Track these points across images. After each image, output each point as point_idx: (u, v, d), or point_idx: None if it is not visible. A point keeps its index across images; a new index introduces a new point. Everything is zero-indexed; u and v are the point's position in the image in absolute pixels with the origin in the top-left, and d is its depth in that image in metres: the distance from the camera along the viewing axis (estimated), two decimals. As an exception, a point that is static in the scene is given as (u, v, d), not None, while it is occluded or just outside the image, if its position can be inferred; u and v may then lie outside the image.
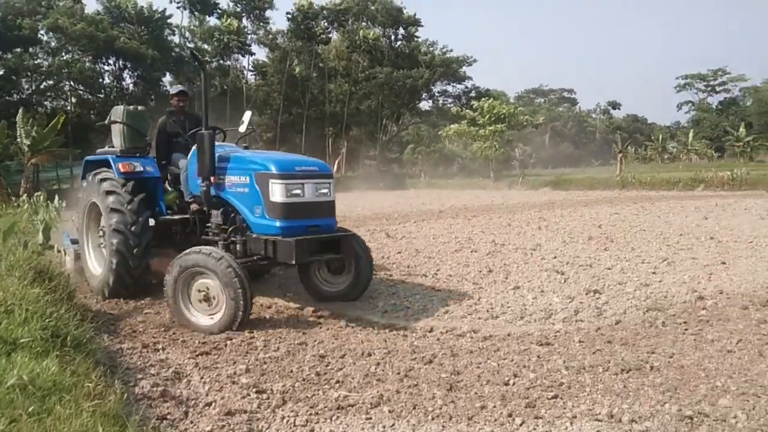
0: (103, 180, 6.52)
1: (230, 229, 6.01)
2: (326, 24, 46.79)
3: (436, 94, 55.44)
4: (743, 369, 3.95)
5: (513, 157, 51.66)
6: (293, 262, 5.43)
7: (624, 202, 20.10)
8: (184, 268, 5.30)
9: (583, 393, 3.62)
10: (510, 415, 3.30)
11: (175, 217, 6.64)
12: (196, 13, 39.75)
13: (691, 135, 57.54)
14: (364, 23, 48.37)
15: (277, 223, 5.50)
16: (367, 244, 10.77)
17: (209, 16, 40.35)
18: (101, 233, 6.76)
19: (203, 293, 5.26)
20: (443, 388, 3.72)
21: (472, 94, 52.36)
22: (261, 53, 47.34)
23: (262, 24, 43.60)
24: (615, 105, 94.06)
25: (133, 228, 6.15)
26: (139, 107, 7.42)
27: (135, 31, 36.68)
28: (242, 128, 6.59)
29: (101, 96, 37.91)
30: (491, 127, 39.59)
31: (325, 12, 45.33)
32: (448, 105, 54.07)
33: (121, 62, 37.06)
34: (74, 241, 7.56)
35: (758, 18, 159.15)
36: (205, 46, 40.23)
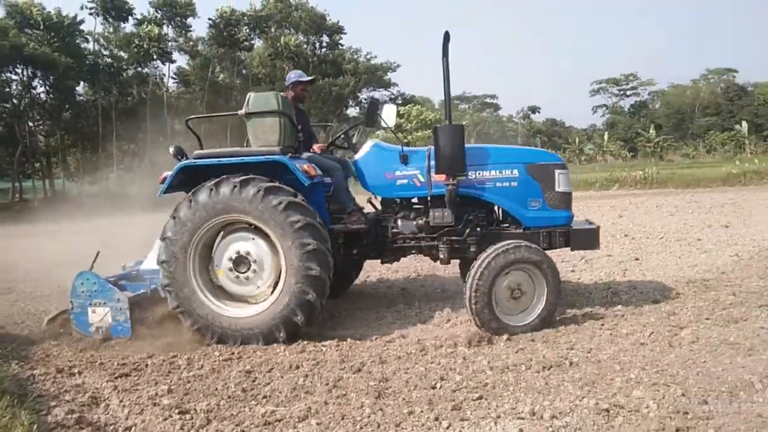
0: (269, 190, 5.11)
1: (477, 225, 5.67)
2: (248, 31, 46.04)
3: (363, 101, 55.71)
4: (655, 360, 4.16)
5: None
6: (596, 248, 5.80)
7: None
8: (504, 266, 5.04)
9: (507, 392, 3.72)
10: (437, 419, 3.34)
11: (355, 226, 5.64)
12: (110, 19, 38.13)
13: (606, 137, 60.38)
14: (287, 30, 47.97)
15: (563, 213, 5.67)
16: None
17: (124, 22, 38.83)
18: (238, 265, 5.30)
19: (513, 291, 5.11)
20: (372, 396, 3.72)
21: (399, 100, 52.98)
22: (182, 60, 45.93)
23: (183, 31, 42.41)
24: (534, 109, 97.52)
25: (328, 246, 5.22)
26: (281, 93, 5.90)
27: (44, 37, 34.81)
28: (391, 122, 5.73)
29: (7, 106, 35.69)
30: (418, 133, 40.17)
31: (247, 18, 44.61)
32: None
33: (30, 70, 35.06)
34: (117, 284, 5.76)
35: (664, 27, 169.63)
36: (122, 54, 38.66)
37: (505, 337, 4.95)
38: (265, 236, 5.24)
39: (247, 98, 5.66)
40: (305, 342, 5.10)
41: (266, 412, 3.59)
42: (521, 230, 5.64)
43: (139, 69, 40.14)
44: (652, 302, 5.85)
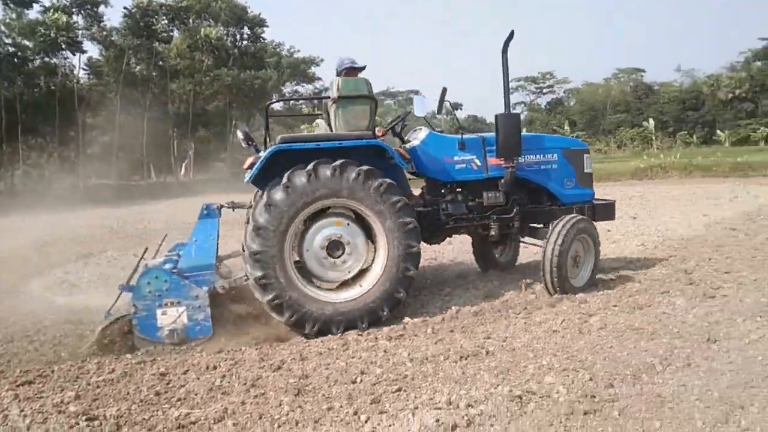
0: (369, 173, 5.20)
1: (522, 204, 6.31)
2: (166, 22, 44.38)
3: (287, 94, 55.00)
4: (566, 347, 4.34)
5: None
6: (613, 219, 6.93)
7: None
8: (576, 235, 5.84)
9: (426, 383, 3.77)
10: (356, 413, 3.35)
11: (419, 208, 5.90)
12: (11, 5, 35.65)
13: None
14: (206, 22, 46.57)
15: (590, 191, 6.69)
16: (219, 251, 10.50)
17: (28, 9, 36.42)
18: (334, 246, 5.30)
19: (575, 258, 5.95)
20: (291, 394, 3.68)
21: (323, 94, 52.69)
22: (94, 50, 43.74)
23: (95, 21, 40.26)
24: (457, 106, 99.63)
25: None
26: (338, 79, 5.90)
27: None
28: (436, 110, 6.22)
29: None
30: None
31: (164, 9, 42.96)
32: (300, 106, 53.90)
33: None
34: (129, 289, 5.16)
35: (579, 27, 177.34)
36: (26, 42, 36.27)
37: (427, 328, 5.03)
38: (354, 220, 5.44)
39: (335, 83, 5.72)
40: (223, 341, 4.99)
41: (180, 415, 3.47)
42: (558, 206, 6.44)
43: (47, 59, 37.82)
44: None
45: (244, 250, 5.24)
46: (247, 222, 5.62)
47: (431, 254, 8.70)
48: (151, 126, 40.92)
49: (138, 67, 43.27)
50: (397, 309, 5.39)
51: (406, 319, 5.38)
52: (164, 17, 43.19)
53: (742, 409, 3.19)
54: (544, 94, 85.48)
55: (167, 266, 5.27)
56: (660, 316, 4.92)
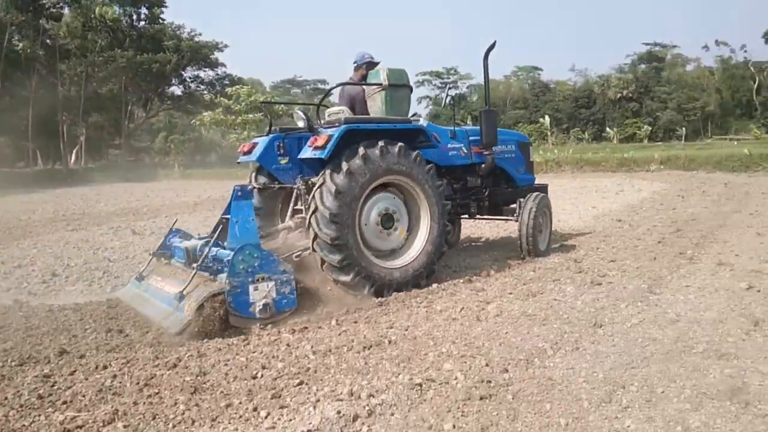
0: (420, 156, 6.08)
1: (492, 186, 7.59)
2: (57, -2, 41.31)
3: (188, 79, 52.89)
4: (464, 334, 4.47)
5: (273, 146, 51.69)
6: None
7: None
8: (543, 209, 7.34)
9: (328, 375, 3.76)
10: (255, 409, 3.27)
11: None
12: None
13: (430, 126, 63.77)
14: (100, 0, 43.74)
15: (533, 176, 8.23)
16: (111, 243, 9.94)
17: None
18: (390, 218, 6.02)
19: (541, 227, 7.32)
20: (187, 392, 3.53)
21: (227, 81, 51.06)
22: (-31, 24, 39.78)
23: (-31, -9, 36.76)
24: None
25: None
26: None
27: None
28: (445, 102, 7.78)
29: None
30: (249, 115, 39.06)
31: (53, -17, 39.97)
32: (201, 91, 51.97)
33: None
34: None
35: (481, 24, 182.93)
36: None
37: (331, 320, 5.01)
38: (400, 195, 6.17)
39: (382, 72, 6.50)
40: (116, 340, 4.72)
41: (65, 419, 3.24)
42: (514, 189, 7.74)
43: None
44: (465, 281, 6.27)
45: (310, 224, 5.55)
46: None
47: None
48: (38, 109, 37.98)
49: (21, 45, 39.94)
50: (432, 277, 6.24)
51: (308, 317, 5.31)
52: (53, -8, 40.20)
53: (624, 388, 3.41)
54: (449, 89, 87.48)
55: (199, 246, 5.51)
56: (551, 303, 5.18)
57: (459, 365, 3.78)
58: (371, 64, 6.81)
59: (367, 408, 3.21)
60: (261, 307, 4.95)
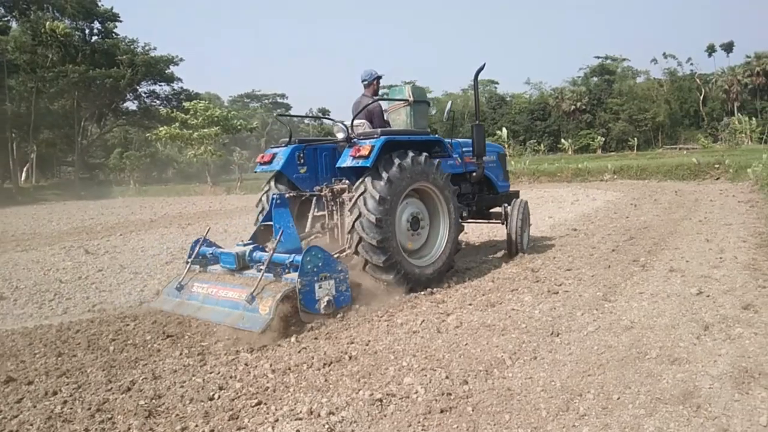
0: (440, 165, 6.79)
1: (478, 193, 8.38)
2: (3, 11, 40.07)
3: (143, 94, 51.94)
4: (425, 347, 4.47)
5: (231, 162, 51.14)
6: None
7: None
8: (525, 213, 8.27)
9: (287, 394, 3.70)
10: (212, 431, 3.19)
11: None
12: None
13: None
14: (50, 13, 42.66)
15: (509, 183, 9.19)
16: (63, 263, 9.62)
17: None
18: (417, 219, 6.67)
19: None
20: (141, 417, 3.43)
21: (183, 96, 50.35)
22: None
23: None
24: (324, 112, 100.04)
25: None
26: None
27: None
28: (445, 116, 8.27)
29: None
30: (205, 130, 38.55)
31: (1, -4, 38.82)
32: (157, 106, 51.08)
33: None
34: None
35: (437, 41, 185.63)
36: None
37: (290, 337, 4.93)
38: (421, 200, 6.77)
39: (406, 89, 7.44)
40: (67, 364, 4.55)
41: (10, 450, 3.10)
42: (494, 195, 8.61)
43: None
44: (426, 293, 6.28)
45: (354, 227, 6.01)
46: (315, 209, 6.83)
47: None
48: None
49: (-34, 60, 38.65)
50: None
51: (271, 335, 5.23)
52: (1, 6, 38.98)
53: (581, 396, 3.46)
54: (451, 104, 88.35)
55: (256, 253, 5.79)
56: (510, 313, 5.24)
57: (419, 379, 3.78)
58: (379, 79, 7.48)
59: (327, 426, 3.17)
60: (325, 303, 5.31)
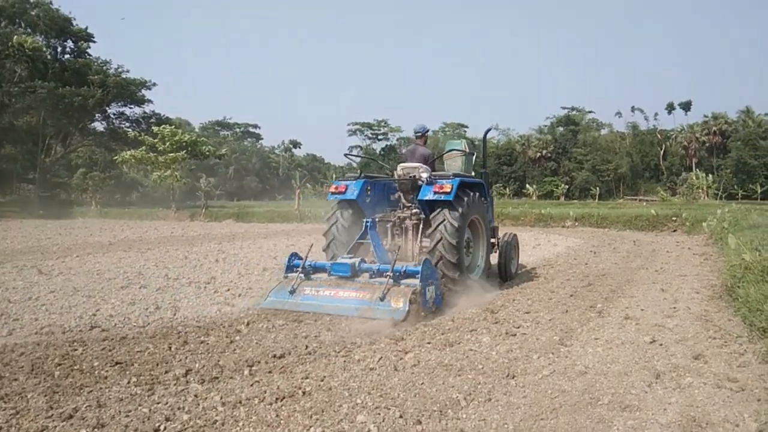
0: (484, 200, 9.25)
1: None
2: (-29, 24, 39.45)
3: (112, 115, 51.28)
4: (381, 384, 4.43)
5: (198, 188, 50.53)
6: None
7: (300, 234, 21.32)
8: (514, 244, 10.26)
9: (236, 428, 3.60)
10: (154, 465, 3.08)
11: None
12: None
13: (359, 175, 64.43)
14: (20, 29, 42.10)
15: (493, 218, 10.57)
16: (14, 283, 9.29)
17: None
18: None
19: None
20: (80, 446, 3.28)
21: (153, 120, 49.89)
22: None
23: None
24: (296, 144, 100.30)
25: None
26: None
27: None
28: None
29: None
30: (172, 155, 38.14)
31: (-33, 8, 38.20)
32: (126, 128, 50.45)
33: None
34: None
35: (411, 83, 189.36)
36: None
37: (244, 370, 4.83)
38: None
39: (462, 143, 9.84)
40: (7, 388, 4.35)
41: (-64, 478, 2.93)
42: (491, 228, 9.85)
43: None
44: (396, 327, 6.25)
45: (436, 248, 7.76)
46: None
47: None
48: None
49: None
50: None
51: (224, 361, 5.13)
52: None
53: (532, 440, 3.46)
54: (379, 140, 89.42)
55: (363, 264, 7.37)
56: (468, 353, 5.24)
57: (373, 417, 3.73)
58: (427, 131, 9.56)
59: (274, 462, 3.09)
60: (431, 303, 6.94)
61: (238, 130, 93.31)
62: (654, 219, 24.02)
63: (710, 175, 57.64)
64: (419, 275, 6.80)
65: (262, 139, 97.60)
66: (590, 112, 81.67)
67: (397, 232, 8.54)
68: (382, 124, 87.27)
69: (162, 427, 3.60)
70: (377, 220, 8.29)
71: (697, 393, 4.21)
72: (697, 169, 61.90)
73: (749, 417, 3.71)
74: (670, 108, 77.17)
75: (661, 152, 70.42)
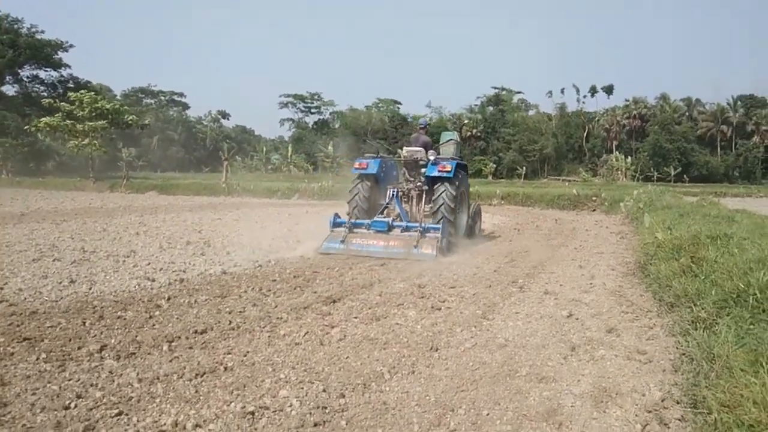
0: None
1: None
2: None
3: (25, 78, 47.98)
4: (305, 359, 4.39)
5: (119, 158, 48.29)
6: None
7: (227, 208, 20.83)
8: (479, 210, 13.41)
9: (153, 405, 3.48)
10: (63, 444, 2.93)
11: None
12: None
13: (290, 149, 63.51)
14: None
15: None
16: None
17: None
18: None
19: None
20: (-21, 428, 3.08)
21: (70, 84, 47.04)
22: None
23: None
24: (224, 114, 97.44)
25: None
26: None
27: None
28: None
29: None
30: (92, 123, 36.19)
31: None
32: (40, 93, 47.36)
33: None
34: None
35: (346, 55, 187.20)
36: None
37: (163, 345, 4.66)
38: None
39: (455, 134, 12.82)
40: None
41: None
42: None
43: None
44: (324, 302, 6.22)
45: (439, 209, 10.54)
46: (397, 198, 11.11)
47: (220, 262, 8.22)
48: None
49: None
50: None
51: (140, 337, 4.93)
52: None
53: (453, 411, 3.54)
54: (312, 113, 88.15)
55: (395, 222, 10.40)
56: (393, 327, 5.29)
57: (296, 391, 3.70)
58: (429, 124, 12.97)
59: (192, 439, 3.01)
60: (446, 249, 9.97)
61: (162, 98, 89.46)
62: (575, 198, 25.03)
63: (629, 158, 60.58)
64: (440, 231, 9.82)
65: (188, 108, 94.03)
66: (519, 92, 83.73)
67: (405, 200, 11.19)
68: (316, 97, 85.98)
69: (72, 405, 3.43)
70: (403, 191, 11.30)
71: (609, 365, 4.42)
72: (617, 152, 64.86)
73: (655, 387, 3.93)
74: (593, 91, 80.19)
75: (585, 134, 73.18)
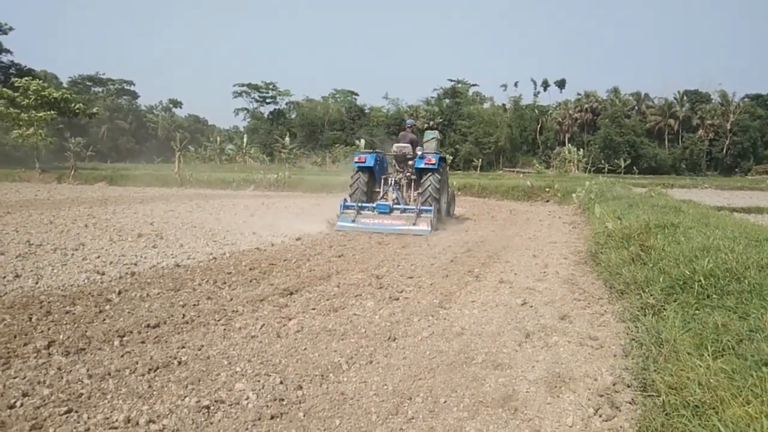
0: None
1: None
2: None
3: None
4: (262, 351, 4.35)
5: (67, 148, 46.61)
6: None
7: (180, 200, 20.37)
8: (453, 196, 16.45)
9: (104, 401, 3.38)
10: (7, 445, 2.82)
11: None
12: None
13: (245, 139, 62.49)
14: None
15: None
16: None
17: None
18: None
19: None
20: None
21: (12, 71, 45.10)
22: None
23: None
24: (176, 103, 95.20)
25: None
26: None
27: None
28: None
29: None
30: (38, 114, 34.79)
31: None
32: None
33: None
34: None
35: (303, 43, 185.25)
36: None
37: (114, 340, 4.54)
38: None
39: (437, 133, 15.29)
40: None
41: None
42: None
43: None
44: (281, 294, 6.15)
45: (426, 194, 12.87)
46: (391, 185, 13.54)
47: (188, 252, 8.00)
48: None
49: None
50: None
51: (90, 333, 4.79)
52: None
53: (410, 399, 3.56)
54: (267, 103, 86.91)
55: (395, 206, 12.88)
56: (351, 318, 5.28)
57: (252, 384, 3.66)
58: (414, 124, 15.51)
59: (145, 435, 2.94)
60: (435, 226, 12.25)
61: (112, 86, 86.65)
62: (529, 190, 25.50)
63: (581, 150, 62.01)
64: (431, 212, 12.22)
65: (138, 97, 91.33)
66: (474, 84, 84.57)
67: (396, 187, 13.40)
68: (271, 87, 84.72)
69: (18, 404, 3.30)
70: (397, 180, 13.71)
71: (562, 351, 4.53)
72: (570, 144, 66.33)
73: (606, 371, 4.05)
74: (546, 85, 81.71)
75: (538, 127, 74.53)
